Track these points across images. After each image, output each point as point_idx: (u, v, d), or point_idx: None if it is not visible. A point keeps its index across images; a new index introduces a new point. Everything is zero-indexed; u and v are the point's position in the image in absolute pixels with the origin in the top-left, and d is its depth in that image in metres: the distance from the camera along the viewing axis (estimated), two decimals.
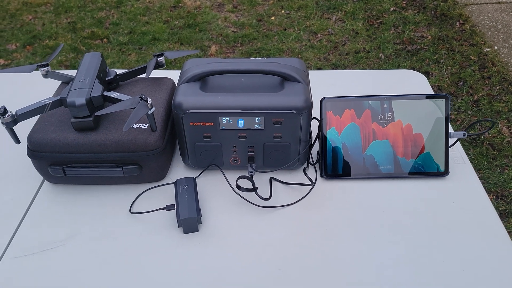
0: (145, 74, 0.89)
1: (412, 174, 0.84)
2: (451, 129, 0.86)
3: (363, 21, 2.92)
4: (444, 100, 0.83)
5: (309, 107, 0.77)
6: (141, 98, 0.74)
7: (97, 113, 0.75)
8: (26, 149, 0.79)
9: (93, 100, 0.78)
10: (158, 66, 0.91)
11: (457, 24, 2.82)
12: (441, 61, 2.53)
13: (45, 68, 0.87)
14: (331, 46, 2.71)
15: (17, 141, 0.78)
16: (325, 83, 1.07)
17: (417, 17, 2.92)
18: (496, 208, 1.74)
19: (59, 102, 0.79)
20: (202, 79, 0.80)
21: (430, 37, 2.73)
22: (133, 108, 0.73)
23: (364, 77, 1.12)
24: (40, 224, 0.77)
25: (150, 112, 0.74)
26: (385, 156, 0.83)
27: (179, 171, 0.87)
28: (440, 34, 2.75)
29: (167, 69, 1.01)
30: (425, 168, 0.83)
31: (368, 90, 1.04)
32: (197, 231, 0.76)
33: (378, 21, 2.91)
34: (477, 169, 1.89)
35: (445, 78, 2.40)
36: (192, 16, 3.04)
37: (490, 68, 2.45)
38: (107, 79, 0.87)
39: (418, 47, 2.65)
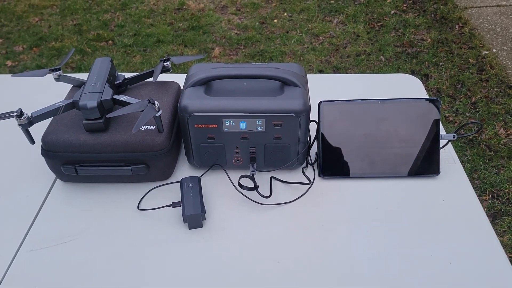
0: (152, 78, 0.93)
1: (405, 174, 0.88)
2: (442, 131, 0.90)
3: (364, 24, 2.97)
4: (435, 103, 0.87)
5: (307, 110, 0.81)
6: (149, 101, 0.78)
7: (107, 116, 0.79)
8: (40, 149, 0.83)
9: (103, 103, 0.82)
10: (164, 70, 0.95)
11: (457, 27, 2.86)
12: (440, 63, 2.57)
13: (57, 72, 0.91)
14: (333, 48, 2.76)
15: (32, 141, 0.83)
16: (324, 87, 1.12)
17: (417, 20, 2.97)
18: (492, 207, 1.78)
19: (71, 105, 0.83)
20: (206, 84, 0.85)
21: (429, 40, 2.77)
22: (142, 111, 0.78)
23: (362, 81, 1.17)
24: (54, 219, 0.82)
25: (157, 114, 0.79)
26: (379, 157, 0.88)
27: (184, 170, 0.92)
28: (439, 37, 2.79)
29: (173, 73, 1.05)
30: (418, 168, 0.88)
31: (366, 94, 1.09)
32: (202, 226, 0.80)
33: (379, 24, 2.95)
34: (474, 170, 1.93)
35: (444, 80, 2.44)
36: (196, 19, 3.09)
37: (488, 70, 2.49)
38: (116, 82, 0.92)
39: (418, 50, 2.69)
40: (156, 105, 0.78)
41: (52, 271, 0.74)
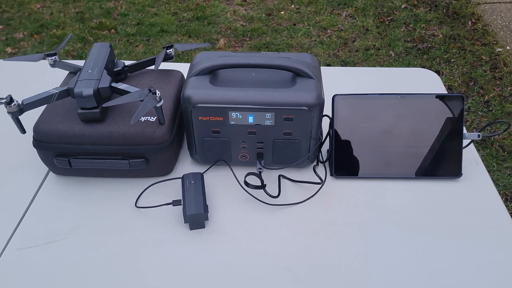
0: (153, 66, 0.87)
1: (425, 175, 0.82)
2: (464, 130, 0.84)
3: (374, 17, 2.89)
4: (459, 100, 0.80)
5: (321, 104, 0.75)
6: (150, 90, 0.72)
7: (104, 105, 0.73)
8: (32, 139, 0.77)
9: (100, 91, 0.76)
10: (167, 58, 0.89)
11: (469, 23, 2.78)
12: (452, 60, 2.49)
13: (53, 58, 0.85)
14: (341, 42, 2.69)
15: (23, 131, 0.77)
16: (335, 80, 1.05)
17: (428, 15, 2.89)
18: None
19: (66, 93, 0.77)
20: (212, 73, 0.79)
21: (441, 35, 2.70)
22: (141, 101, 0.72)
23: (375, 75, 1.10)
24: (44, 216, 0.76)
25: (158, 105, 0.73)
26: (397, 156, 0.82)
27: (186, 166, 0.86)
28: (451, 33, 2.72)
29: (176, 62, 0.99)
30: (438, 169, 0.81)
31: (380, 88, 1.02)
32: (204, 227, 0.74)
33: (388, 18, 2.88)
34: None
35: (456, 77, 2.37)
36: (201, 9, 3.02)
37: (501, 68, 2.41)
38: (115, 70, 0.86)
39: (429, 45, 2.62)
40: (157, 95, 0.72)
41: (40, 272, 0.68)
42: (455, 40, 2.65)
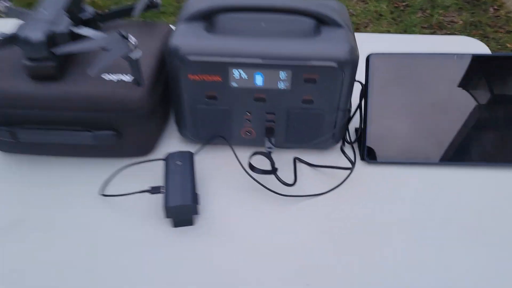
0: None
1: (486, 161, 0.62)
2: None
3: (387, 2, 2.70)
4: None
5: (354, 60, 0.56)
6: (121, 34, 0.53)
7: (56, 51, 0.53)
8: None
9: (56, 37, 0.57)
10: (151, 6, 0.70)
11: (491, 9, 2.59)
12: None
13: (5, 3, 0.66)
14: (353, 28, 2.49)
15: None
16: (364, 48, 0.85)
17: (446, 1, 2.70)
18: None
19: (11, 40, 0.57)
20: (208, 18, 0.59)
21: (461, 22, 2.51)
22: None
23: (409, 43, 0.91)
24: None
25: (133, 56, 0.53)
26: (450, 137, 0.62)
27: (173, 144, 0.66)
28: (472, 19, 2.53)
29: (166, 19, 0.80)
30: (504, 154, 0.62)
31: None
32: (192, 224, 0.56)
33: (403, 4, 2.69)
34: None
35: None
36: None
37: None
38: (83, 18, 0.66)
39: (449, 32, 2.43)
40: (132, 41, 0.53)
41: None
42: (476, 27, 2.46)
